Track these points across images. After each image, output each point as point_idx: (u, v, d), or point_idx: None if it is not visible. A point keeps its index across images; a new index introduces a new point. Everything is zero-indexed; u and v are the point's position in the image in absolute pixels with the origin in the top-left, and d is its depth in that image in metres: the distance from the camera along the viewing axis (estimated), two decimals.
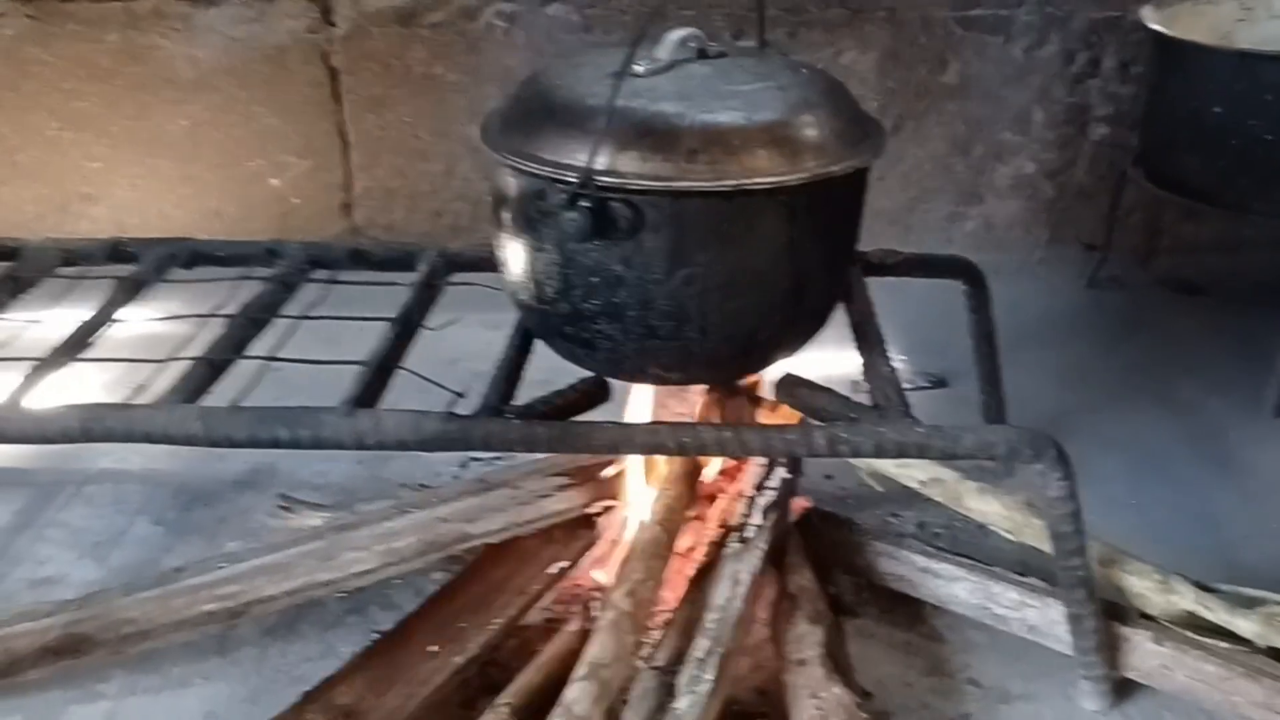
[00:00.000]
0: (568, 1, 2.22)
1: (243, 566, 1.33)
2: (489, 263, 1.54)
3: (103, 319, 1.37)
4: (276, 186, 2.39)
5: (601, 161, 1.07)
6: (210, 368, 1.27)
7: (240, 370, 1.29)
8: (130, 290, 1.44)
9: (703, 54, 1.22)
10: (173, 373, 1.24)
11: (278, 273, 1.49)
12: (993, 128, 2.31)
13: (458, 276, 1.52)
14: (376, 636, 1.31)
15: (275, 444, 1.16)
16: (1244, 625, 1.20)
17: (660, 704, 1.13)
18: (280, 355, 1.28)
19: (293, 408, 1.16)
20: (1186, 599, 1.22)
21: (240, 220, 2.42)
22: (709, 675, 1.14)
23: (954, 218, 2.40)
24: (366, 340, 1.27)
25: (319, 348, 1.25)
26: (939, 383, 1.96)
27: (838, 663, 1.22)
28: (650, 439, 1.13)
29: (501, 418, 1.16)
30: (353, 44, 2.26)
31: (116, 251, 1.53)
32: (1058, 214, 2.39)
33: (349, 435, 1.14)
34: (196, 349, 1.29)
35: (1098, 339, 2.16)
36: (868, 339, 1.32)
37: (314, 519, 1.53)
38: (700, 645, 1.18)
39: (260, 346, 1.33)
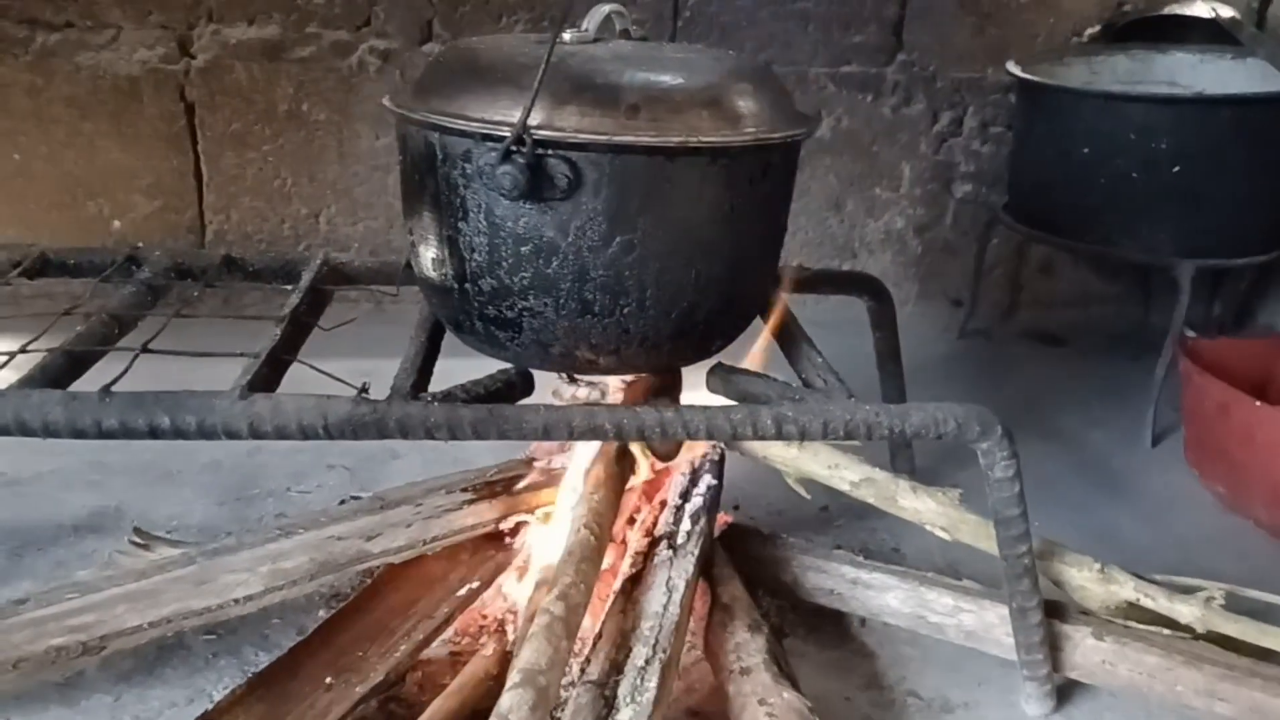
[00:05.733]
0: (446, 41, 2.17)
1: (100, 595, 1.14)
2: (378, 275, 1.45)
3: None
4: (119, 229, 2.20)
5: (537, 117, 1.00)
6: (70, 360, 1.11)
7: (102, 369, 1.12)
8: None
9: (626, 34, 1.19)
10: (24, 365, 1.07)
11: (141, 280, 1.34)
12: (864, 183, 2.36)
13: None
14: (260, 669, 1.14)
15: (153, 433, 1.00)
16: (1185, 611, 1.18)
17: (599, 718, 1.02)
18: (153, 347, 1.12)
19: (176, 392, 1.01)
20: (1126, 588, 1.20)
21: None
22: (652, 683, 1.04)
23: None
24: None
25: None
26: None
27: (782, 669, 1.13)
28: (587, 422, 1.04)
29: (419, 401, 1.05)
30: (212, 77, 2.13)
31: None
32: (925, 269, 2.44)
33: (243, 421, 1.00)
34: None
35: (975, 383, 2.20)
36: (793, 335, 1.28)
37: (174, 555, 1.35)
38: (639, 654, 1.07)
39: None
